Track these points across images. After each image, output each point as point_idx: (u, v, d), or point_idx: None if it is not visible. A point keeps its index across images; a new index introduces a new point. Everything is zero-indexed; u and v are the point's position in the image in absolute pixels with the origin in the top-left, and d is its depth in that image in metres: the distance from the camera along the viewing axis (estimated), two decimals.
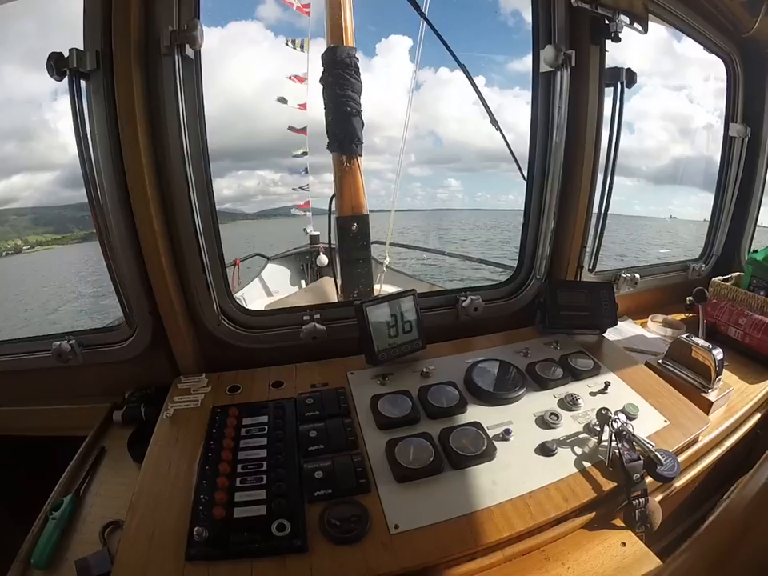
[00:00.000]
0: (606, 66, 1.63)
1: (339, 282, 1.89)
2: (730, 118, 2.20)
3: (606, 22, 1.52)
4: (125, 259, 1.38)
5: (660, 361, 1.56)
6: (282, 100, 4.89)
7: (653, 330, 2.01)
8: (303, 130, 5.11)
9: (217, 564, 0.88)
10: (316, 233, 5.61)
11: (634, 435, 1.11)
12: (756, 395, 1.56)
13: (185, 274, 1.44)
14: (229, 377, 1.46)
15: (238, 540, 0.90)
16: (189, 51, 1.22)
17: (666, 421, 1.26)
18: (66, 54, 1.18)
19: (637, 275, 1.94)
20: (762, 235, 2.44)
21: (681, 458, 1.19)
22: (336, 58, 1.77)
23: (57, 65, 1.17)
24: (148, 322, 1.47)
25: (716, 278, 2.12)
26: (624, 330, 1.95)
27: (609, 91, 1.66)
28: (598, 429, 1.17)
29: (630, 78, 1.62)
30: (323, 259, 4.81)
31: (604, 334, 1.70)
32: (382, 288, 3.42)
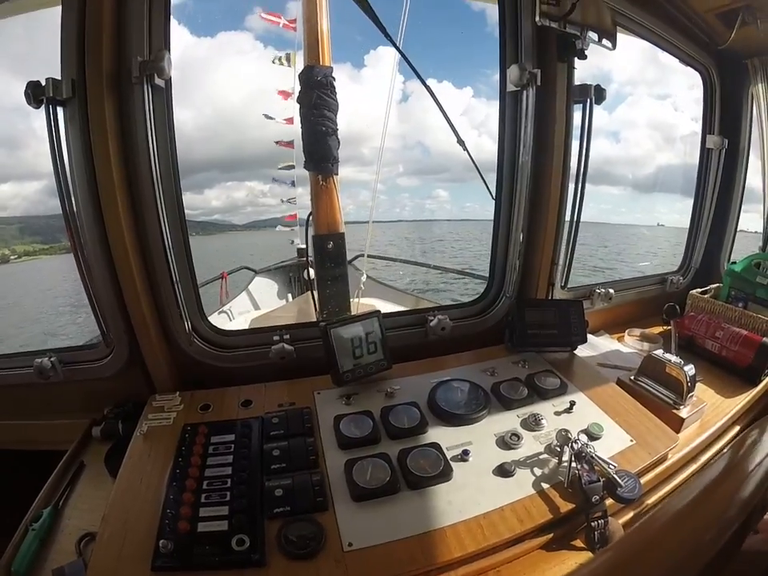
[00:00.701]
0: (576, 83, 1.64)
1: (317, 298, 1.93)
2: (707, 129, 2.24)
3: (573, 39, 1.55)
4: (100, 279, 1.43)
5: (632, 377, 1.58)
6: (268, 117, 4.97)
7: (629, 345, 2.02)
8: (290, 144, 5.18)
9: (180, 575, 0.92)
10: (303, 246, 5.65)
11: (593, 456, 1.13)
12: (732, 409, 1.57)
13: (158, 294, 1.48)
14: (201, 395, 1.50)
15: (201, 552, 0.95)
16: (158, 81, 1.27)
17: (632, 440, 1.28)
18: (43, 83, 1.22)
19: (611, 290, 1.97)
20: (744, 241, 2.48)
21: (648, 477, 1.22)
22: (312, 78, 1.80)
23: (34, 93, 1.22)
24: (124, 340, 1.51)
25: (694, 291, 2.15)
26: (599, 345, 1.97)
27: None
28: (559, 449, 1.19)
29: (598, 94, 1.65)
30: (312, 272, 4.84)
31: (576, 351, 1.72)
32: (364, 301, 3.43)
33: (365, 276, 3.75)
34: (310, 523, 1.00)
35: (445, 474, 1.11)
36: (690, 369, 1.45)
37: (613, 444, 1.26)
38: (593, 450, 1.14)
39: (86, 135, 1.29)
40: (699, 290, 2.17)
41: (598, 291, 1.96)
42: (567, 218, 1.80)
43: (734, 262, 2.21)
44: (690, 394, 1.45)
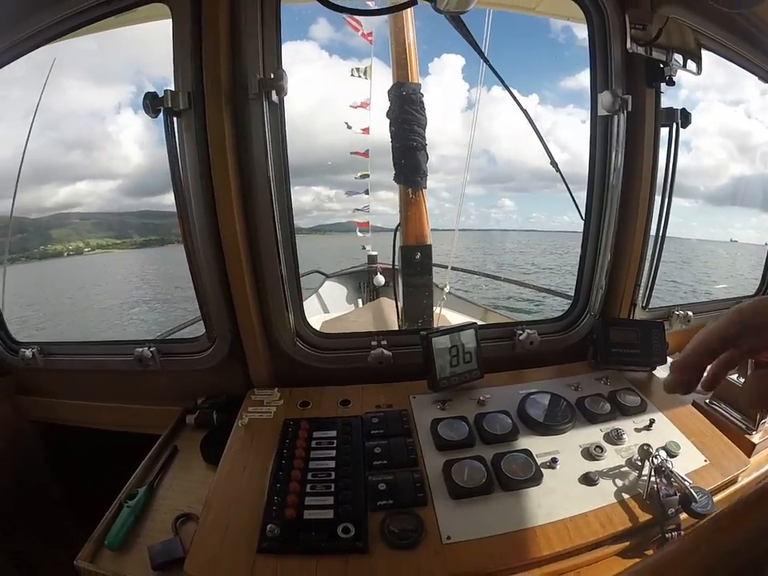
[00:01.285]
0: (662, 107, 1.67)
1: (400, 305, 2.02)
2: None
3: (661, 66, 1.59)
4: (210, 281, 1.57)
5: (707, 400, 1.58)
6: (348, 125, 5.11)
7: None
8: (365, 153, 5.30)
9: (286, 558, 1.02)
10: (374, 253, 5.79)
11: (672, 472, 1.18)
12: None
13: (265, 295, 1.60)
14: (299, 392, 1.62)
15: (307, 538, 1.05)
16: (275, 97, 1.41)
17: (705, 460, 1.31)
18: (161, 95, 1.37)
19: (690, 313, 1.98)
20: None
21: (719, 497, 1.24)
22: (402, 94, 1.92)
23: (152, 103, 1.37)
24: (227, 336, 1.64)
25: None
26: None
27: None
28: (639, 463, 1.24)
29: (684, 118, 1.68)
30: (380, 279, 5.00)
31: (654, 371, 1.75)
32: (442, 312, 3.51)
33: (448, 287, 3.79)
34: (411, 516, 1.09)
35: (535, 479, 1.19)
36: None
37: (688, 462, 1.29)
38: (671, 466, 1.20)
39: (203, 144, 1.42)
40: None
41: (677, 313, 1.98)
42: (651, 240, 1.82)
43: None
44: (763, 420, 1.46)
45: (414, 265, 1.97)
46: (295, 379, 1.70)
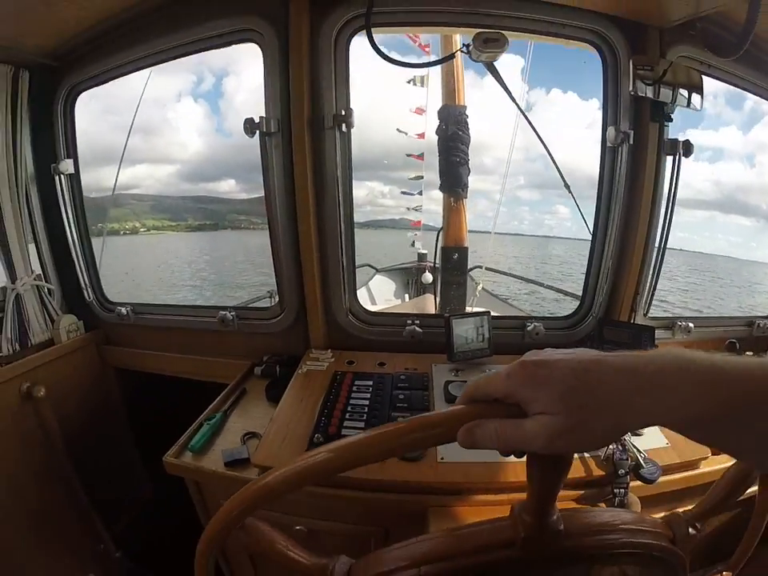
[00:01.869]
0: (668, 138, 1.88)
1: (438, 299, 2.36)
2: None
3: (663, 105, 1.80)
4: (286, 263, 2.02)
5: None
6: (400, 131, 5.32)
7: None
8: (420, 156, 5.49)
9: None
10: (424, 251, 6.02)
11: (626, 440, 1.42)
12: None
13: (326, 275, 2.02)
14: (347, 354, 2.06)
15: None
16: (344, 129, 1.82)
17: (667, 443, 1.50)
18: (257, 120, 1.79)
19: (691, 324, 2.17)
20: None
21: (675, 477, 1.45)
22: (449, 115, 2.25)
23: (251, 126, 1.80)
24: (294, 306, 2.08)
25: None
26: None
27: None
28: None
29: (686, 149, 1.88)
30: (428, 277, 5.15)
31: None
32: (475, 308, 3.84)
33: (480, 286, 4.12)
34: None
35: None
36: None
37: (650, 441, 1.50)
38: (629, 438, 1.44)
39: (288, 157, 1.85)
40: None
41: (680, 324, 2.19)
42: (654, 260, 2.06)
43: None
44: None
45: (452, 264, 2.31)
46: (345, 345, 2.13)
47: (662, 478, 1.40)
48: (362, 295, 5.29)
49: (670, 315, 2.31)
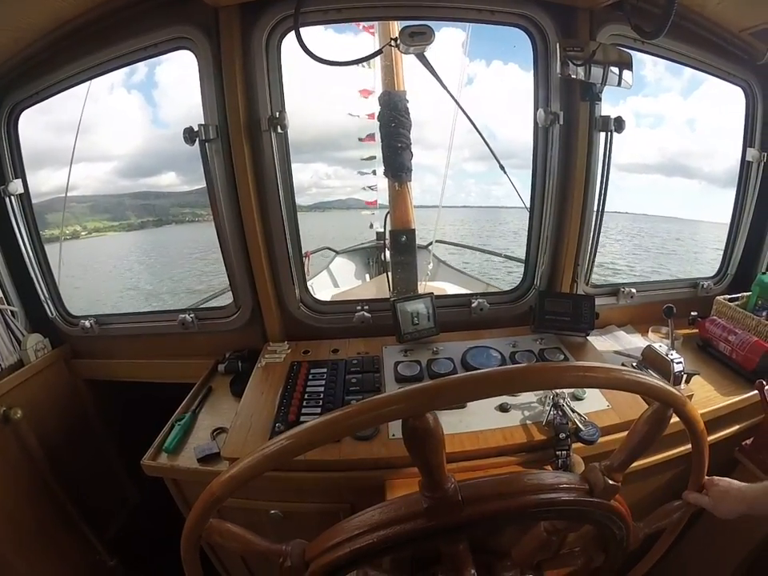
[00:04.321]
0: (599, 115, 2.01)
1: (390, 280, 2.51)
2: (747, 143, 2.41)
3: (592, 85, 1.92)
4: (236, 262, 2.13)
5: (634, 363, 1.94)
6: (352, 114, 5.38)
7: (650, 340, 2.26)
8: (371, 137, 5.60)
9: None
10: (381, 230, 5.94)
11: (565, 405, 1.58)
12: (717, 405, 1.83)
13: (276, 271, 2.15)
14: (303, 344, 2.21)
15: None
16: (280, 130, 1.95)
17: (608, 406, 1.66)
18: (196, 128, 1.88)
19: (633, 290, 2.38)
20: None
21: (616, 436, 1.56)
22: (390, 101, 2.36)
23: (190, 135, 1.88)
24: (249, 303, 2.21)
25: (720, 297, 2.32)
26: (622, 337, 2.37)
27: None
28: (545, 400, 1.65)
29: (618, 125, 2.02)
30: (389, 255, 5.21)
31: (599, 340, 2.20)
32: (434, 284, 4.14)
33: (431, 264, 4.40)
34: None
35: (462, 405, 1.64)
36: (678, 361, 1.79)
37: (592, 404, 1.66)
38: (568, 403, 1.60)
39: (228, 160, 1.95)
40: (728, 296, 2.33)
41: (623, 290, 2.37)
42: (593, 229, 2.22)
43: (765, 272, 2.42)
44: (677, 384, 1.76)
45: (401, 246, 2.47)
46: (300, 335, 2.28)
47: (603, 438, 1.54)
48: (324, 279, 5.59)
49: (613, 283, 2.49)
